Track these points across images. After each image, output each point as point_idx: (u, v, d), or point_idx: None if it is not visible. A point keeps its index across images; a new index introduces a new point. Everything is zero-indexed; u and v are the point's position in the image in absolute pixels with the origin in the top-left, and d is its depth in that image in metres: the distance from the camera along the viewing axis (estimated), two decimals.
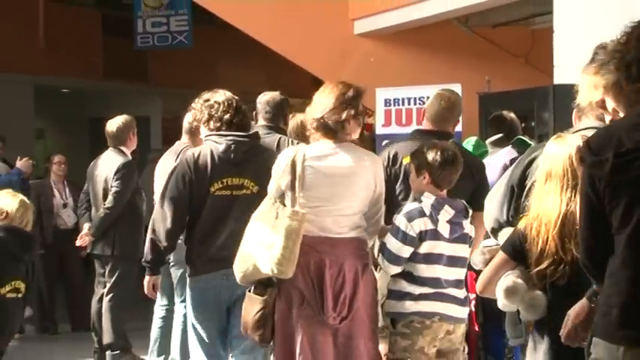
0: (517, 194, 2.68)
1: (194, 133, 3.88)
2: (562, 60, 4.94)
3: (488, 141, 4.51)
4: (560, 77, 4.91)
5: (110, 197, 4.94)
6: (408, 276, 2.95)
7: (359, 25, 7.55)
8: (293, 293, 2.84)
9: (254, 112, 4.13)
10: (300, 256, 2.78)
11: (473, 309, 3.60)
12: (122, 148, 5.00)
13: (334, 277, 2.83)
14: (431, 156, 2.98)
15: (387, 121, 5.82)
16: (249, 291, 2.90)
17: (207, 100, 3.28)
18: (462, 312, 3.01)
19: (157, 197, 3.57)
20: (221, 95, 3.28)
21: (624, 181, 1.65)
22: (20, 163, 6.09)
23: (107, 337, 4.98)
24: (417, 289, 2.94)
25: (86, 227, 5.12)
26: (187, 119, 4.12)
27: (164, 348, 4.35)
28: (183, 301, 3.75)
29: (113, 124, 5.02)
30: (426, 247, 2.94)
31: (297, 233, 2.77)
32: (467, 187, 3.26)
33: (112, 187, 4.93)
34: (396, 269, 2.95)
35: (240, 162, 3.21)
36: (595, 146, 1.70)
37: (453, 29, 7.39)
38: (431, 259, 2.95)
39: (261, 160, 3.24)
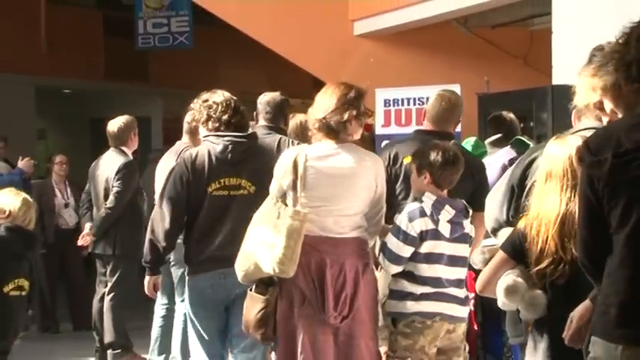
0: (517, 194, 2.69)
1: (194, 133, 3.90)
2: (561, 61, 4.95)
3: (487, 141, 4.52)
4: (558, 78, 4.92)
5: (111, 197, 4.96)
6: (409, 276, 2.96)
7: (359, 25, 7.56)
8: (294, 292, 2.86)
9: (255, 113, 4.16)
10: (301, 256, 2.80)
11: (472, 308, 3.62)
12: (123, 148, 5.02)
13: (335, 277, 2.85)
14: (432, 156, 2.99)
15: (386, 122, 5.84)
16: (251, 290, 2.92)
17: (206, 101, 3.30)
18: (463, 311, 3.03)
19: (157, 197, 3.60)
20: (219, 96, 3.30)
21: (623, 181, 1.66)
22: (22, 163, 6.11)
23: (108, 336, 5.00)
24: (418, 289, 2.95)
25: (87, 227, 5.15)
26: (187, 119, 4.15)
27: (165, 347, 4.37)
28: (184, 300, 3.78)
29: (114, 125, 5.04)
30: (427, 246, 2.96)
31: (298, 233, 2.79)
32: (467, 187, 3.28)
33: (113, 187, 4.95)
34: (397, 269, 2.97)
35: (238, 162, 3.23)
36: (594, 146, 1.70)
37: (452, 30, 7.41)
38: (432, 258, 2.96)
39: (258, 160, 3.26)
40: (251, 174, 3.22)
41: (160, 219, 3.21)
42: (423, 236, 2.95)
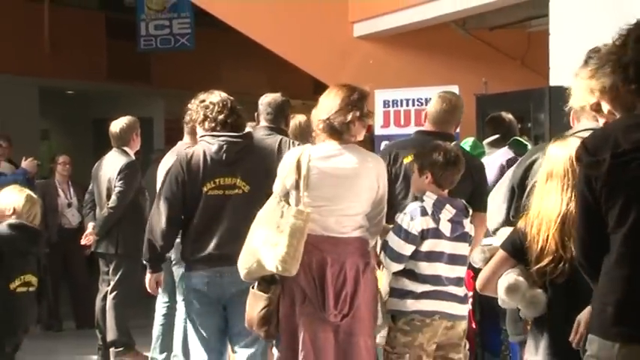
0: (518, 195, 2.72)
1: (195, 133, 3.96)
2: (558, 62, 4.97)
3: (485, 142, 4.53)
4: (555, 79, 4.92)
5: (113, 197, 5.00)
6: (410, 274, 2.99)
7: (358, 27, 7.58)
8: (295, 291, 2.89)
9: (256, 114, 4.21)
10: (302, 255, 2.83)
11: (470, 307, 3.66)
12: (126, 148, 5.06)
13: (335, 276, 2.88)
14: (434, 157, 3.03)
15: (385, 122, 5.88)
16: (253, 288, 2.95)
17: (203, 101, 3.33)
18: (462, 309, 3.05)
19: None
20: (216, 96, 3.32)
21: (621, 181, 1.67)
22: (25, 163, 6.14)
23: (111, 335, 5.04)
24: (418, 288, 2.98)
25: (90, 226, 5.19)
26: (185, 120, 4.20)
27: (166, 345, 4.39)
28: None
29: (117, 125, 5.09)
30: (428, 245, 2.99)
31: (301, 232, 2.82)
32: (466, 187, 3.31)
33: (115, 187, 4.99)
34: (398, 267, 3.00)
35: (233, 162, 3.25)
36: (591, 147, 1.72)
37: (450, 32, 7.42)
38: (432, 257, 2.99)
39: (254, 159, 3.29)
40: (246, 173, 3.24)
41: (157, 219, 3.25)
42: (424, 235, 2.98)
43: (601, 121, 1.96)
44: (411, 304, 2.98)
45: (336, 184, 2.92)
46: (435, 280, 3.00)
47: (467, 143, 4.56)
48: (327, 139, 2.96)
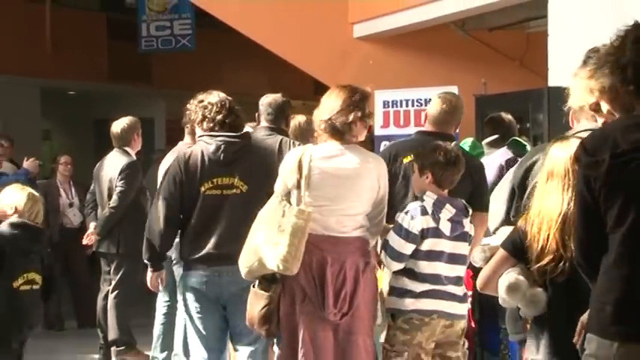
0: (518, 195, 2.73)
1: (196, 133, 3.99)
2: (556, 63, 4.98)
3: (484, 142, 4.53)
4: (554, 80, 4.93)
5: (115, 197, 5.02)
6: (410, 273, 3.01)
7: (358, 28, 7.59)
8: (295, 289, 2.91)
9: (256, 114, 4.23)
10: (303, 254, 2.85)
11: (469, 306, 3.69)
12: (127, 148, 5.08)
13: (335, 275, 2.90)
14: (434, 157, 3.05)
15: (385, 123, 5.90)
16: (254, 286, 2.97)
17: (202, 101, 3.35)
18: (461, 309, 3.07)
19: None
20: (214, 96, 3.35)
21: (620, 181, 1.68)
22: (27, 164, 6.15)
23: (112, 334, 5.06)
24: (418, 287, 3.00)
25: (92, 226, 5.21)
26: (184, 120, 4.22)
27: (167, 344, 4.40)
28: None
29: (118, 126, 5.11)
30: (428, 244, 3.01)
31: (302, 231, 2.84)
32: (466, 187, 3.33)
33: (116, 186, 5.01)
34: (398, 266, 3.02)
35: (230, 162, 3.27)
36: (590, 147, 1.72)
37: (450, 33, 7.43)
38: (432, 256, 3.02)
39: (252, 159, 3.31)
40: (244, 173, 3.26)
41: (155, 219, 3.28)
42: (424, 234, 3.00)
43: (600, 121, 1.97)
44: (410, 304, 3.00)
45: (338, 184, 2.94)
46: (435, 279, 3.02)
47: (466, 143, 4.58)
48: (329, 140, 2.98)
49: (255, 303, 2.95)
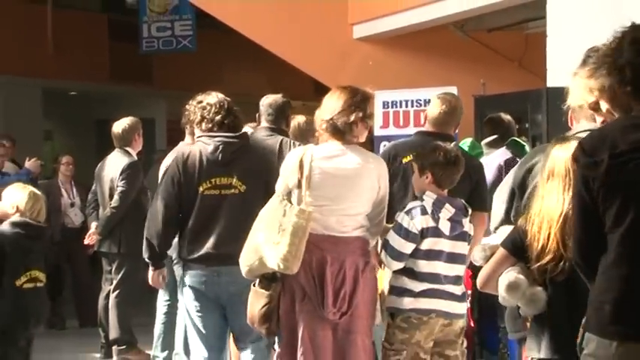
0: (518, 196, 2.74)
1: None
2: (555, 64, 4.99)
3: (483, 142, 4.55)
4: (552, 80, 4.93)
5: (116, 197, 5.05)
6: (409, 272, 3.03)
7: (358, 29, 7.61)
8: (295, 288, 2.93)
9: (257, 115, 4.26)
10: (303, 253, 2.87)
11: (468, 305, 3.71)
12: (128, 149, 5.11)
13: (335, 274, 2.92)
14: (434, 157, 3.08)
15: (385, 123, 5.92)
16: (254, 285, 2.98)
17: (200, 102, 3.37)
18: (460, 308, 3.09)
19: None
20: (213, 97, 3.37)
21: (619, 181, 1.68)
22: (29, 164, 6.18)
23: (113, 333, 5.08)
24: (417, 286, 3.02)
25: (93, 226, 5.23)
26: (183, 121, 4.24)
27: (168, 343, 4.42)
28: None
29: (119, 126, 5.13)
30: (427, 243, 3.03)
31: (303, 231, 2.86)
32: (465, 187, 3.36)
33: (117, 186, 5.04)
34: (398, 265, 3.03)
35: (228, 162, 3.28)
36: (588, 148, 1.73)
37: (449, 34, 7.45)
38: (431, 255, 3.04)
39: (250, 159, 3.32)
40: (242, 173, 3.28)
41: (154, 219, 3.30)
42: (424, 233, 3.02)
43: (599, 120, 1.97)
44: (409, 303, 3.02)
45: (338, 184, 2.96)
46: (433, 278, 3.04)
47: (465, 144, 4.61)
48: (330, 139, 3.00)
49: (256, 302, 2.97)
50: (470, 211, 3.13)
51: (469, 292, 3.60)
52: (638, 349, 1.66)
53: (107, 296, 5.19)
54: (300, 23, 7.47)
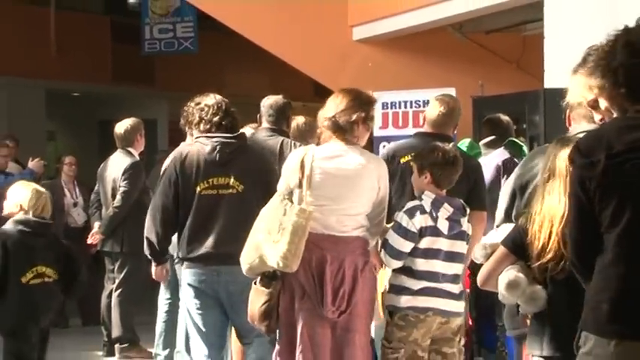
0: (518, 196, 2.77)
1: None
2: (552, 65, 4.98)
3: (481, 142, 4.58)
4: (550, 81, 4.91)
5: (118, 197, 5.08)
6: (408, 270, 3.06)
7: (357, 31, 7.61)
8: (295, 286, 2.96)
9: (258, 115, 4.28)
10: (303, 252, 2.89)
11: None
12: (130, 149, 5.14)
13: (334, 273, 2.95)
14: (433, 157, 3.11)
15: (384, 124, 5.97)
16: (255, 283, 3.01)
17: (198, 104, 3.40)
18: (457, 306, 3.11)
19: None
20: (211, 99, 3.40)
21: (616, 182, 1.69)
22: (32, 164, 6.19)
23: (116, 331, 5.12)
24: (415, 285, 3.05)
25: (96, 226, 5.28)
26: (181, 122, 4.28)
27: (169, 341, 4.43)
28: None
29: (121, 127, 5.17)
30: (426, 242, 3.06)
31: (303, 230, 2.88)
32: (463, 187, 3.39)
33: (120, 187, 5.07)
34: (398, 264, 3.06)
35: (226, 162, 3.31)
36: (584, 148, 1.73)
37: (447, 35, 7.46)
38: (430, 253, 3.07)
39: (247, 159, 3.35)
40: (239, 173, 3.31)
41: (152, 219, 3.34)
42: (423, 232, 3.05)
43: (597, 117, 1.95)
44: (406, 301, 3.05)
45: (339, 184, 2.99)
46: (431, 276, 3.07)
47: (464, 144, 4.64)
48: (332, 138, 3.04)
49: (256, 299, 3.00)
50: (468, 210, 3.16)
51: (468, 290, 3.64)
52: (636, 348, 1.67)
53: (110, 295, 5.22)
54: (300, 25, 7.47)
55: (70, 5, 10.71)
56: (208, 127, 3.37)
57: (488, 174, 4.06)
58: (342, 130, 3.01)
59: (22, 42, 9.91)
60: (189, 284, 3.35)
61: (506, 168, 4.23)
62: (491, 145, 4.52)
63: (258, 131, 4.20)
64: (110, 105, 10.69)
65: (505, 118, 4.64)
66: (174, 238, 3.48)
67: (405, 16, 7.12)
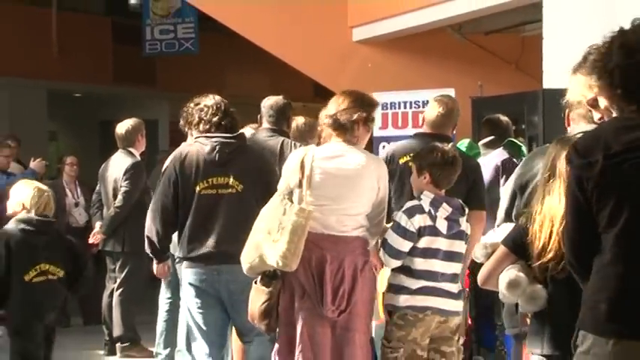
0: (519, 196, 2.77)
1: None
2: (551, 66, 4.97)
3: (480, 143, 4.60)
4: (549, 82, 4.91)
5: (120, 197, 5.10)
6: (406, 270, 3.08)
7: (357, 32, 7.62)
8: (295, 286, 2.98)
9: (258, 116, 4.31)
10: (303, 251, 2.92)
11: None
12: (131, 149, 5.16)
13: (334, 273, 2.96)
14: (432, 157, 3.14)
15: (384, 124, 5.99)
16: (255, 283, 3.03)
17: (198, 104, 3.43)
18: (455, 305, 3.12)
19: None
20: (210, 99, 3.43)
21: (613, 182, 1.69)
22: (34, 164, 6.19)
23: (117, 330, 5.14)
24: (414, 284, 3.06)
25: (98, 225, 5.29)
26: (180, 123, 4.31)
27: (170, 340, 4.44)
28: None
29: (122, 127, 5.19)
30: (425, 242, 3.08)
31: (302, 229, 2.90)
32: (462, 187, 3.41)
33: (121, 187, 5.09)
34: (397, 263, 3.08)
35: (225, 162, 3.33)
36: (582, 149, 1.74)
37: (446, 36, 7.47)
38: (428, 253, 3.09)
39: (247, 159, 3.38)
40: (239, 173, 3.33)
41: (152, 219, 3.36)
42: (421, 232, 3.07)
43: (596, 116, 1.98)
44: (405, 300, 3.07)
45: (339, 184, 3.01)
46: (430, 275, 3.09)
47: (463, 144, 4.66)
48: (333, 137, 3.06)
49: (256, 298, 3.02)
50: (467, 210, 3.18)
51: (467, 290, 3.67)
52: (634, 347, 1.68)
53: (111, 294, 5.24)
54: (300, 26, 7.48)
55: (72, 6, 10.74)
56: (208, 127, 3.39)
57: (487, 174, 4.08)
58: (342, 129, 3.04)
59: (23, 43, 9.95)
60: (190, 283, 3.37)
61: (505, 168, 4.25)
62: (490, 146, 4.54)
63: (258, 132, 4.23)
64: (111, 105, 10.72)
65: (504, 118, 4.65)
66: (175, 237, 3.51)
67: (404, 17, 7.12)
